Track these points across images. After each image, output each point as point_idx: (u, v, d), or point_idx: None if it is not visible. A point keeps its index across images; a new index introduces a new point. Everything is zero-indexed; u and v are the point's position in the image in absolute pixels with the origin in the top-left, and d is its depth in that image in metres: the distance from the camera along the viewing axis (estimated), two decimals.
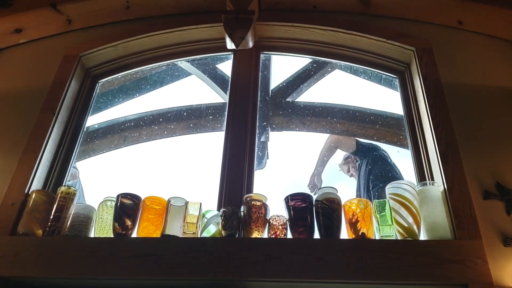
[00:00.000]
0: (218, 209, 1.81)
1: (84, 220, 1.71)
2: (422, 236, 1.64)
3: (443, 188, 1.73)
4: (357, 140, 2.60)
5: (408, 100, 2.18)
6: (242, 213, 1.72)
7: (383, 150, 2.55)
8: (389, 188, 1.72)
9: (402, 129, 2.19)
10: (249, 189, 1.92)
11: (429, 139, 1.93)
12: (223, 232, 1.67)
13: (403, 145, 2.19)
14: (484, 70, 2.13)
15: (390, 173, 2.42)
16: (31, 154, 1.93)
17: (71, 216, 1.71)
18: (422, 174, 1.92)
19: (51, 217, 1.73)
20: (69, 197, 1.78)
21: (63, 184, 1.99)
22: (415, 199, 1.66)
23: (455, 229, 1.61)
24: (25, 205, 1.79)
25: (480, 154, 1.83)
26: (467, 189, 1.70)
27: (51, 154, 2.01)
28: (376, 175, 2.45)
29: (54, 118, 2.05)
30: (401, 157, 2.27)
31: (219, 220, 1.71)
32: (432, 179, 1.84)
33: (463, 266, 1.50)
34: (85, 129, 2.25)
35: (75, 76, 2.24)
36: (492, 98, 2.02)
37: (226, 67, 2.58)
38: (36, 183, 1.89)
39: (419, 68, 2.12)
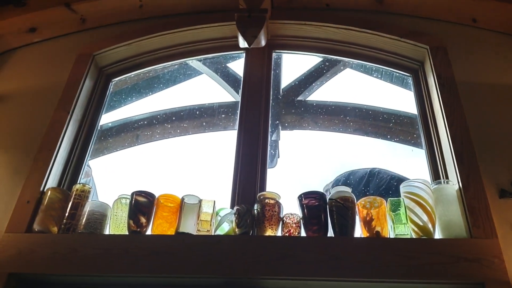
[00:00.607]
0: (232, 207, 1.81)
1: (99, 217, 1.72)
2: (437, 235, 1.62)
3: (458, 186, 1.72)
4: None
5: (422, 98, 2.17)
6: (255, 211, 1.72)
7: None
8: (404, 187, 1.71)
9: (415, 127, 2.18)
10: (262, 188, 1.91)
11: (443, 138, 1.92)
12: (237, 230, 1.68)
13: (416, 143, 2.18)
14: (499, 68, 2.11)
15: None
16: (46, 152, 1.95)
17: (86, 213, 1.73)
18: (437, 172, 1.91)
19: (66, 214, 1.75)
20: (84, 195, 1.79)
21: (78, 182, 2.01)
22: (430, 198, 1.65)
23: (470, 227, 1.59)
24: (40, 202, 1.80)
25: (496, 152, 1.81)
26: (483, 188, 1.68)
27: (66, 152, 2.03)
28: None
29: (68, 117, 2.07)
30: (413, 156, 2.25)
31: (233, 218, 1.71)
32: (447, 177, 1.83)
33: (479, 265, 1.49)
34: (99, 128, 2.27)
35: (89, 75, 2.26)
36: (507, 95, 2.00)
37: (237, 66, 2.59)
38: (51, 180, 1.91)
39: (433, 66, 2.10)
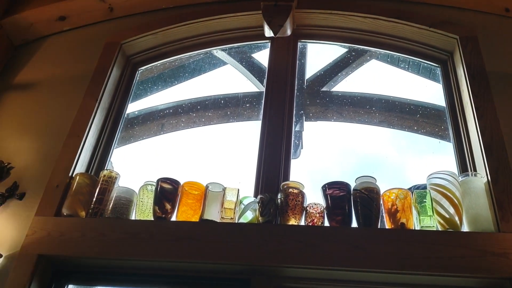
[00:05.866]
0: (255, 196, 1.82)
1: (126, 203, 1.76)
2: (464, 228, 1.60)
3: (486, 179, 1.68)
4: None
5: (451, 89, 2.12)
6: (279, 200, 1.72)
7: None
8: (431, 179, 1.68)
9: (443, 119, 2.14)
10: (286, 177, 1.91)
11: (472, 130, 1.87)
12: (260, 218, 1.68)
13: (443, 136, 2.14)
14: None
15: None
16: (75, 138, 1.99)
17: (113, 199, 1.76)
18: (464, 165, 1.87)
19: (94, 199, 1.79)
20: (111, 181, 1.83)
21: (105, 168, 2.04)
22: (457, 190, 1.62)
23: (498, 221, 1.56)
24: (69, 187, 1.84)
25: None
26: None
27: (94, 139, 2.07)
28: None
29: (96, 104, 2.11)
30: (439, 149, 2.20)
31: (256, 206, 1.72)
32: (475, 170, 1.79)
33: (506, 259, 1.46)
34: (125, 116, 2.30)
35: (116, 63, 2.29)
36: None
37: (262, 56, 2.58)
38: (80, 166, 1.95)
39: (463, 56, 2.06)
